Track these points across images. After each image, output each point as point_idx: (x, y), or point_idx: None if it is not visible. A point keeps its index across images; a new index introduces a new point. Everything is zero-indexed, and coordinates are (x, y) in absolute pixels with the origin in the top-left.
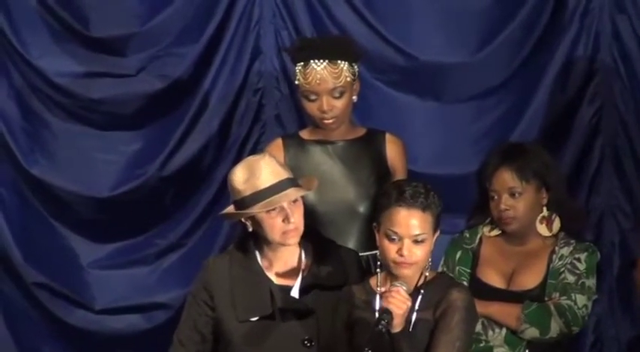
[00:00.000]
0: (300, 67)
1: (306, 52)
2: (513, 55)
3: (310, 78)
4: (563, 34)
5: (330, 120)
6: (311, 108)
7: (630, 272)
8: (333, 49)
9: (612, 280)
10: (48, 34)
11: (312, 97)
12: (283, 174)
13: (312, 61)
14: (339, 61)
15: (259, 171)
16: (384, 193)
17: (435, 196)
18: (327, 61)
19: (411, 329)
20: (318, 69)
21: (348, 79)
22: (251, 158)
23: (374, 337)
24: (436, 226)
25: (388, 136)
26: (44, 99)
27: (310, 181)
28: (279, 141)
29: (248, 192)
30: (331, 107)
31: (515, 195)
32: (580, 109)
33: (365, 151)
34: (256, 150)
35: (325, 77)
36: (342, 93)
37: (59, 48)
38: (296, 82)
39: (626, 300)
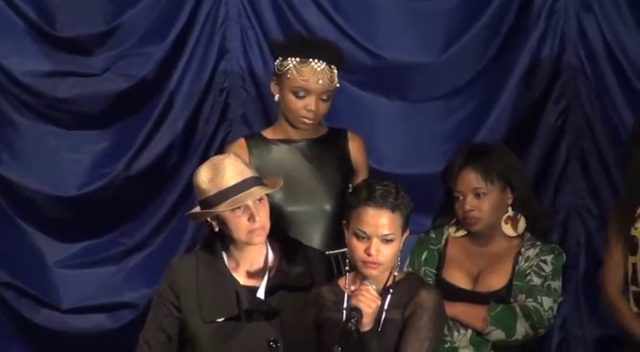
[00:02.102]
0: (294, 62)
1: (309, 49)
2: (479, 54)
3: (308, 76)
4: (528, 34)
5: (311, 121)
6: (296, 105)
7: (596, 272)
8: (332, 53)
9: (578, 280)
10: (14, 33)
11: (302, 94)
12: (248, 173)
13: (312, 60)
14: (333, 66)
15: (224, 171)
16: (354, 191)
17: (405, 196)
18: (325, 63)
19: (380, 329)
20: (319, 69)
21: (337, 85)
22: (216, 158)
23: (343, 335)
24: (405, 226)
25: (350, 134)
26: (10, 98)
27: (275, 180)
28: (242, 141)
29: (213, 192)
30: (317, 108)
31: (479, 196)
32: (546, 109)
33: (329, 150)
34: (222, 149)
35: (323, 78)
36: (328, 97)
37: (25, 47)
38: (287, 76)
39: (592, 301)
